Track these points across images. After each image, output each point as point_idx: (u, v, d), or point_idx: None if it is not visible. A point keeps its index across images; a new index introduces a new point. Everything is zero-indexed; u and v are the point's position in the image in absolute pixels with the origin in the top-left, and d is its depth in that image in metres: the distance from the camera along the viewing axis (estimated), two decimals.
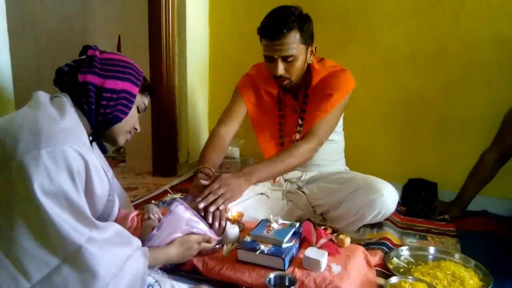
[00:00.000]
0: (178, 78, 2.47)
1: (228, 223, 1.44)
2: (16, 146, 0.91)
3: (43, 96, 1.06)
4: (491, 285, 1.32)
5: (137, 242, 1.06)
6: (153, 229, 1.17)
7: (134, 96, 1.17)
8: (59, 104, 1.05)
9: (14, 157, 0.90)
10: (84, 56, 1.15)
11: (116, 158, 2.87)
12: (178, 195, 2.04)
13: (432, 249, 1.58)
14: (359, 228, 1.74)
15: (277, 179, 1.92)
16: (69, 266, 0.91)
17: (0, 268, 0.88)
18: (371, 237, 1.70)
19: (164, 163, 2.54)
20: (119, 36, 2.68)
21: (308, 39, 1.64)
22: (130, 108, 1.17)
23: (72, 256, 0.91)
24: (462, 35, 2.08)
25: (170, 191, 2.11)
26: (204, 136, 2.75)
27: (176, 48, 2.42)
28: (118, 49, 2.68)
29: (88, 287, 0.92)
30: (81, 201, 0.96)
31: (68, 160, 0.93)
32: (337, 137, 1.91)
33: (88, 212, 0.97)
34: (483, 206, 2.06)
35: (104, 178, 1.07)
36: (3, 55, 1.35)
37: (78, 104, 1.11)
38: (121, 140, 1.21)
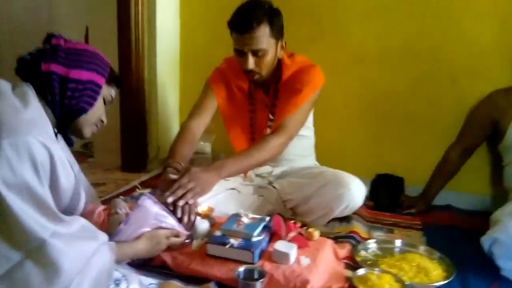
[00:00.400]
0: (148, 70, 2.43)
1: (198, 217, 1.43)
2: None
3: (4, 86, 1.03)
4: (453, 276, 1.37)
5: (103, 236, 1.05)
6: (120, 223, 1.15)
7: (100, 87, 1.15)
8: (22, 94, 1.02)
9: None
10: (48, 45, 1.12)
11: (84, 153, 2.80)
12: (147, 191, 2.01)
13: (398, 242, 1.62)
14: (328, 222, 1.77)
15: (248, 174, 1.92)
16: (31, 261, 0.89)
17: None
18: (340, 231, 1.73)
19: (133, 158, 2.50)
20: (87, 28, 2.61)
21: (278, 33, 1.64)
22: (95, 99, 1.15)
23: (35, 251, 0.89)
24: (428, 34, 2.13)
25: (139, 186, 2.08)
26: (175, 130, 2.71)
27: (146, 40, 2.38)
28: (86, 40, 2.61)
29: (52, 283, 0.90)
30: (45, 194, 0.94)
31: (31, 151, 0.90)
32: (307, 133, 1.93)
33: (52, 205, 0.95)
34: (448, 201, 2.12)
35: (69, 171, 1.05)
36: None
37: (41, 95, 1.07)
38: (87, 132, 1.19)
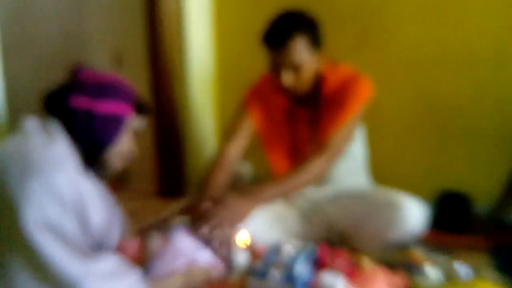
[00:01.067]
0: (181, 93, 2.54)
1: (235, 248, 1.47)
2: (5, 177, 0.97)
3: (32, 123, 1.11)
4: None
5: (136, 274, 1.10)
6: (154, 258, 1.21)
7: (125, 119, 1.21)
8: (49, 131, 1.10)
9: (3, 191, 0.96)
10: (74, 78, 1.20)
11: (120, 180, 2.94)
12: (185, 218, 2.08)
13: (463, 268, 1.58)
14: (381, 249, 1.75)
15: (291, 196, 1.94)
16: None
17: None
18: (395, 259, 1.71)
19: (171, 183, 2.61)
20: (119, 52, 2.77)
21: (315, 45, 1.67)
22: (120, 131, 1.21)
23: None
24: (491, 33, 2.10)
25: (177, 213, 2.15)
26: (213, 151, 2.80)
27: (178, 61, 2.50)
28: (119, 64, 2.76)
29: None
30: (75, 232, 1.00)
31: (59, 190, 0.98)
32: (356, 149, 1.93)
33: (83, 244, 1.02)
34: None
35: (101, 205, 1.12)
36: None
37: (68, 130, 1.15)
38: (117, 165, 1.26)
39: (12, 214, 0.94)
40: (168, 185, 2.60)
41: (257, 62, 2.47)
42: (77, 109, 1.15)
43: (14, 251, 0.95)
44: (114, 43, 2.76)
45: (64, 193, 0.98)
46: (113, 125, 1.19)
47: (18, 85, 1.59)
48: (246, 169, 2.44)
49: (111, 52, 2.76)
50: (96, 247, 1.14)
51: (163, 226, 1.77)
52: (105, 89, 1.18)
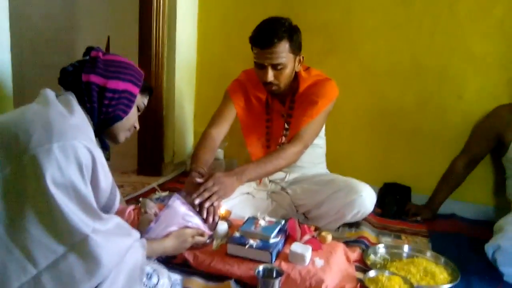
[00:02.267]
0: (166, 80, 2.52)
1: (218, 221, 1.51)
2: (29, 140, 0.95)
3: (51, 94, 1.11)
4: (458, 279, 1.44)
5: (136, 234, 1.11)
6: (150, 222, 1.23)
7: (135, 96, 1.24)
8: (67, 102, 1.10)
9: (27, 150, 0.94)
10: (88, 57, 1.20)
11: None
12: (165, 193, 2.10)
13: (406, 247, 1.69)
14: (339, 227, 1.84)
15: (262, 180, 2.00)
16: (75, 254, 0.95)
17: (8, 255, 0.92)
18: (350, 236, 1.80)
19: (150, 162, 2.58)
20: (108, 37, 2.71)
21: (296, 49, 1.73)
22: (130, 108, 1.24)
23: (78, 245, 0.95)
24: (437, 51, 2.21)
25: (158, 188, 2.16)
26: (190, 136, 2.80)
27: (165, 51, 2.47)
28: (107, 50, 2.70)
29: (93, 275, 0.96)
30: (88, 193, 1.00)
31: (77, 155, 0.98)
32: (320, 142, 2.01)
33: (94, 204, 1.01)
34: (452, 210, 2.20)
35: (108, 172, 1.12)
36: (4, 55, 1.38)
37: (82, 103, 1.15)
38: (121, 137, 1.28)
39: (33, 171, 0.93)
40: (147, 164, 2.58)
41: (232, 58, 2.53)
42: (91, 85, 1.15)
43: (32, 205, 0.93)
44: (104, 29, 2.69)
45: (80, 158, 0.98)
46: (125, 101, 1.20)
47: (18, 64, 1.53)
48: (220, 154, 2.49)
49: (100, 37, 2.68)
50: (101, 209, 1.15)
51: (145, 198, 1.78)
52: (118, 67, 1.19)
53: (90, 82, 1.16)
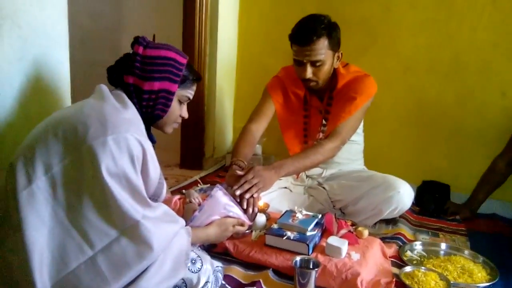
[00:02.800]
0: (208, 77, 2.60)
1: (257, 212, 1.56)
2: (87, 132, 1.02)
3: (105, 89, 1.17)
4: (497, 279, 1.42)
5: (182, 221, 1.17)
6: (194, 211, 1.29)
7: (173, 94, 1.23)
8: (120, 97, 1.17)
9: (84, 142, 1.02)
10: (131, 52, 1.22)
11: None
12: (206, 186, 2.17)
13: (443, 245, 1.68)
14: (375, 224, 1.85)
15: (300, 175, 2.03)
16: (126, 238, 1.02)
17: (68, 237, 0.99)
18: (387, 232, 1.81)
19: (191, 156, 2.67)
20: (154, 36, 2.81)
21: (335, 45, 1.75)
22: (168, 106, 1.24)
23: (130, 230, 1.02)
24: (479, 46, 2.17)
25: (200, 181, 2.24)
26: (229, 132, 2.88)
27: (208, 49, 2.55)
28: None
29: (143, 257, 1.02)
30: (139, 182, 1.07)
31: (129, 147, 1.04)
32: (358, 138, 2.01)
33: (144, 192, 1.08)
34: (493, 209, 2.15)
35: (156, 163, 1.18)
36: (63, 53, 1.48)
37: (130, 99, 1.19)
38: (168, 130, 1.32)
39: (90, 161, 1.00)
40: (189, 158, 2.67)
41: (271, 55, 2.57)
42: (129, 86, 1.19)
43: (89, 192, 1.00)
44: (150, 28, 2.79)
45: (132, 149, 1.04)
46: (162, 100, 1.22)
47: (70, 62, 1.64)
48: (258, 150, 2.55)
49: (146, 33, 2.78)
50: (150, 197, 1.22)
51: (189, 190, 1.85)
52: (155, 65, 1.20)
53: (128, 83, 1.19)
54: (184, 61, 1.25)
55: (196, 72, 1.31)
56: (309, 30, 1.67)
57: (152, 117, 1.24)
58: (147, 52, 1.21)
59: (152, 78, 1.19)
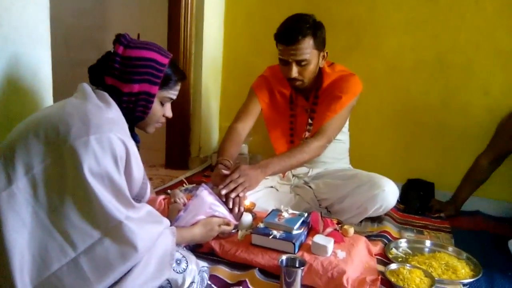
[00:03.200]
0: (194, 76, 2.58)
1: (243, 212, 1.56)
2: (68, 131, 1.01)
3: (88, 88, 1.15)
4: (480, 275, 1.44)
5: (166, 221, 1.16)
6: (179, 211, 1.28)
7: (153, 95, 1.20)
8: (103, 97, 1.15)
9: (66, 141, 1.00)
10: (112, 50, 1.19)
11: None
12: (192, 186, 2.16)
13: (428, 242, 1.70)
14: (361, 222, 1.86)
15: (286, 174, 2.03)
16: (109, 239, 1.00)
17: (50, 238, 0.98)
18: (372, 230, 1.82)
19: (177, 156, 2.65)
20: (138, 35, 2.78)
21: (320, 45, 1.75)
22: (149, 108, 1.22)
23: (113, 231, 1.01)
24: (462, 46, 2.19)
25: (186, 181, 2.23)
26: (215, 132, 2.86)
27: (193, 48, 2.53)
28: None
29: (127, 258, 1.01)
30: (122, 183, 1.06)
31: (112, 146, 1.03)
32: (343, 137, 2.03)
33: (127, 193, 1.07)
34: (476, 207, 2.18)
35: (140, 163, 1.17)
36: (45, 52, 1.46)
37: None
38: (150, 130, 1.30)
39: (72, 161, 0.99)
40: (174, 158, 2.66)
41: (257, 55, 2.57)
42: (110, 87, 1.17)
43: (71, 193, 0.99)
44: (135, 27, 2.76)
45: (115, 149, 1.03)
46: (142, 102, 1.20)
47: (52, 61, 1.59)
48: (244, 149, 2.55)
49: (130, 31, 2.75)
50: (134, 198, 1.20)
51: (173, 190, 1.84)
52: (134, 67, 1.17)
53: (108, 85, 1.17)
54: (165, 61, 1.22)
55: (179, 71, 1.28)
56: (295, 29, 1.67)
57: (132, 118, 1.22)
58: (127, 53, 1.18)
59: (131, 80, 1.17)
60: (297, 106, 1.93)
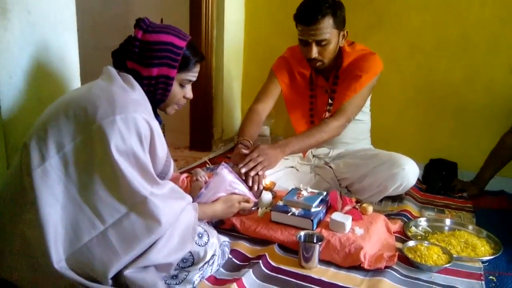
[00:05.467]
0: (216, 60, 2.62)
1: (262, 189, 1.60)
2: (96, 112, 1.06)
3: (113, 71, 1.21)
4: (500, 252, 1.44)
5: (189, 198, 1.21)
6: (200, 188, 1.34)
7: (172, 79, 1.24)
8: (127, 79, 1.20)
9: (94, 121, 1.05)
10: (132, 35, 1.24)
11: None
12: (214, 166, 2.21)
13: (448, 221, 1.70)
14: (381, 201, 1.88)
15: (306, 154, 2.06)
16: (135, 213, 1.06)
17: (80, 212, 1.04)
18: (392, 209, 1.84)
19: (200, 138, 2.72)
20: (161, 20, 2.84)
21: (340, 24, 1.75)
22: (168, 90, 1.26)
23: (138, 205, 1.06)
24: (487, 23, 2.15)
25: (209, 162, 2.29)
26: (237, 114, 2.91)
27: (215, 31, 2.57)
28: None
29: (151, 231, 1.07)
30: (147, 160, 1.11)
31: (137, 126, 1.08)
32: (364, 117, 2.03)
33: (152, 170, 1.12)
34: (501, 186, 2.15)
35: (164, 142, 1.22)
36: (72, 37, 1.53)
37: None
38: (170, 111, 1.34)
39: (100, 139, 1.04)
40: (198, 140, 2.72)
41: (278, 37, 2.58)
42: (131, 71, 1.22)
43: (99, 169, 1.05)
44: (158, 13, 2.82)
45: (140, 128, 1.08)
46: (162, 85, 1.25)
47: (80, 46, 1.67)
48: (266, 131, 2.58)
49: (154, 17, 2.81)
50: (158, 175, 1.26)
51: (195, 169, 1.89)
52: (153, 51, 1.21)
53: (129, 68, 1.22)
54: (183, 44, 1.25)
55: (198, 53, 1.30)
56: (314, 9, 1.68)
57: (153, 100, 1.27)
58: (146, 37, 1.22)
59: (150, 65, 1.21)
60: (317, 87, 1.95)
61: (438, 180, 2.16)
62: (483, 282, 1.29)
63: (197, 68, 1.32)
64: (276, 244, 1.43)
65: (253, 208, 1.53)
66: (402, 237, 1.57)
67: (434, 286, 1.27)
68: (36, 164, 1.04)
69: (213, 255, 1.22)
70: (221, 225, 1.53)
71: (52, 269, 0.98)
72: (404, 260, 1.39)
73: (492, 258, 1.43)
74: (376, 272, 1.31)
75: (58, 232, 1.02)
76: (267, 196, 1.60)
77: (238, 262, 1.34)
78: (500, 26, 2.12)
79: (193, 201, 1.26)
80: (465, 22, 2.20)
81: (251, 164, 1.51)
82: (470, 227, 1.65)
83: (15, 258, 1.02)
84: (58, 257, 1.00)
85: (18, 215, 1.04)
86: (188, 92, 1.35)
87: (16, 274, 1.03)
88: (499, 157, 2.08)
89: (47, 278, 1.00)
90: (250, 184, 1.48)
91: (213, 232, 1.26)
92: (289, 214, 1.49)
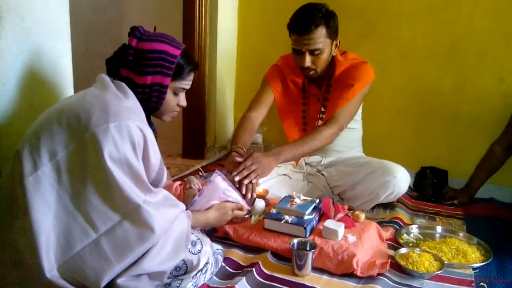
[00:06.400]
0: (209, 68, 2.63)
1: (255, 196, 1.60)
2: (89, 119, 1.06)
3: (107, 78, 1.21)
4: (490, 259, 1.46)
5: (182, 205, 1.21)
6: (194, 196, 1.34)
7: (166, 87, 1.24)
8: (121, 86, 1.20)
9: (88, 129, 1.05)
10: (126, 43, 1.24)
11: None
12: (207, 174, 2.21)
13: (439, 228, 1.71)
14: (373, 208, 1.89)
15: (299, 162, 2.07)
16: (128, 221, 1.06)
17: (73, 220, 1.03)
18: (384, 217, 1.85)
19: (193, 146, 2.71)
20: (155, 28, 2.84)
21: (333, 34, 1.77)
22: (163, 98, 1.26)
23: (132, 213, 1.06)
24: (476, 33, 2.18)
25: (202, 170, 2.28)
26: (230, 122, 2.91)
27: (208, 39, 2.58)
28: None
29: (145, 240, 1.06)
30: (140, 168, 1.11)
31: (131, 133, 1.08)
32: (356, 125, 2.04)
33: (145, 178, 1.12)
34: (490, 194, 2.17)
35: (157, 150, 1.22)
36: (65, 45, 1.52)
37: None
38: (166, 119, 1.35)
39: (93, 147, 1.04)
40: (191, 148, 2.72)
41: (270, 46, 2.60)
42: (125, 79, 1.22)
43: (92, 177, 1.04)
44: (151, 20, 2.82)
45: (133, 136, 1.08)
46: (156, 94, 1.25)
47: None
48: (259, 139, 2.59)
49: (147, 25, 2.81)
50: (151, 183, 1.25)
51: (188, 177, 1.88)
52: (147, 59, 1.21)
53: (123, 76, 1.22)
54: (177, 52, 1.25)
55: (191, 61, 1.31)
56: (307, 19, 1.70)
57: (148, 108, 1.27)
58: (140, 45, 1.22)
59: (144, 73, 1.21)
60: (310, 95, 1.96)
61: (429, 187, 2.17)
62: None
63: (191, 77, 1.32)
64: (269, 251, 1.43)
65: (246, 216, 1.53)
66: (394, 244, 1.58)
67: None
68: (29, 172, 1.03)
69: (206, 263, 1.22)
70: (214, 233, 1.53)
71: (44, 277, 0.97)
72: (396, 267, 1.39)
73: (483, 265, 1.44)
74: (369, 279, 1.31)
75: (50, 240, 1.01)
76: (260, 204, 1.61)
77: (231, 270, 1.34)
78: (489, 36, 2.16)
79: (186, 209, 1.26)
80: (454, 32, 2.23)
81: (245, 172, 1.51)
82: (461, 234, 1.67)
83: (6, 266, 1.01)
84: (50, 266, 0.99)
85: (10, 223, 1.03)
86: (182, 100, 1.35)
87: (7, 282, 1.01)
88: (488, 165, 2.10)
89: (39, 286, 0.99)
90: (244, 192, 1.48)
91: (206, 240, 1.26)
92: (282, 221, 1.49)
